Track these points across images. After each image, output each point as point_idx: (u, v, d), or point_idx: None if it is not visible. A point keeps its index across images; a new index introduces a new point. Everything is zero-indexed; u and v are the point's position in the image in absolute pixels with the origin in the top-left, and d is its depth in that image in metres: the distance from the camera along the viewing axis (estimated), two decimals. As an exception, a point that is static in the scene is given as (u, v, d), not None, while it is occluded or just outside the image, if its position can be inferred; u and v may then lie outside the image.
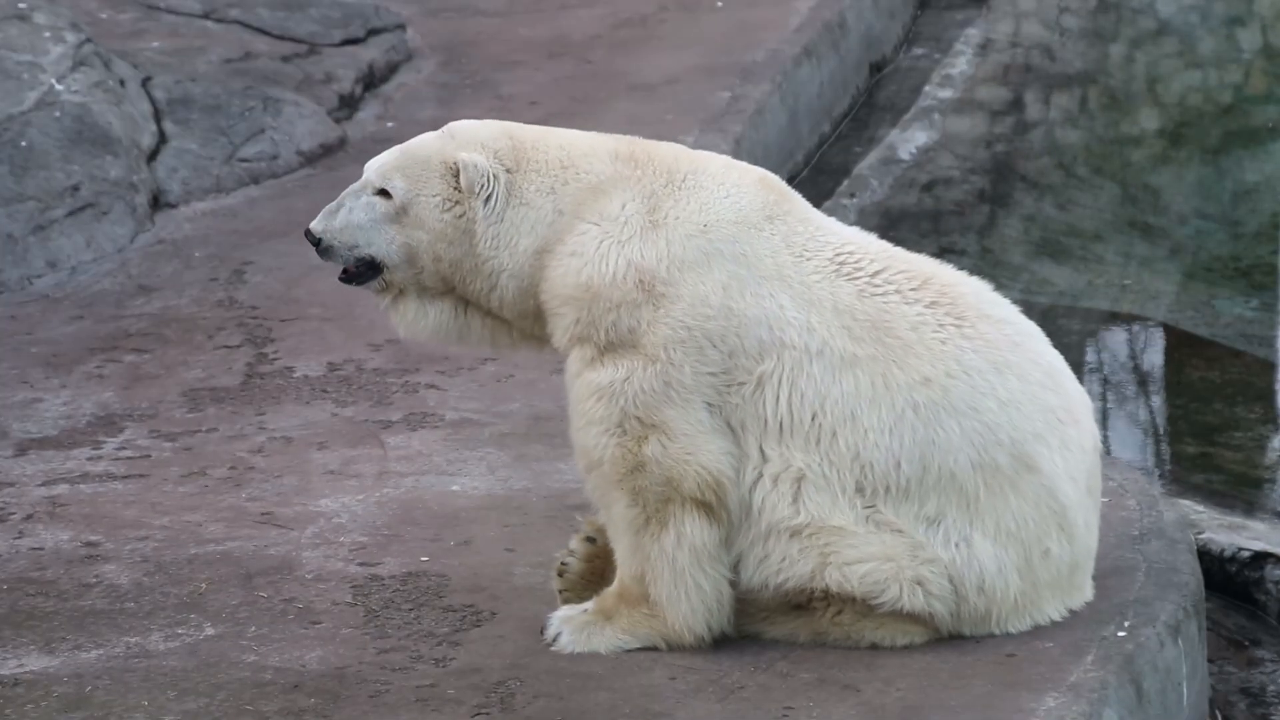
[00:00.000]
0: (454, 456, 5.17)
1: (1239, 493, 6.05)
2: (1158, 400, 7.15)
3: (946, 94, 9.37)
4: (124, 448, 5.27)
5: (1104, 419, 6.95)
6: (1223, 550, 4.58)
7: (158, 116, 7.23)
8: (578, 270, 3.28)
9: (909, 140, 8.57)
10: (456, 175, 3.34)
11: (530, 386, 5.84)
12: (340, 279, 3.52)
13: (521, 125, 3.54)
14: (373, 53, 8.06)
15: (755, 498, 3.18)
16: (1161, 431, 7.00)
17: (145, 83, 7.34)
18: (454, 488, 4.92)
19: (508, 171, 3.36)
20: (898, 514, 3.14)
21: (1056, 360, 3.42)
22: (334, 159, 7.46)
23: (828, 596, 3.19)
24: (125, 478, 4.99)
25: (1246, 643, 4.31)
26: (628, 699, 3.05)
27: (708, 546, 3.17)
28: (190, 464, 5.15)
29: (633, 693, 3.08)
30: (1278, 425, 7.05)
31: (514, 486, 4.89)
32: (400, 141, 3.68)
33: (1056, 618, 3.28)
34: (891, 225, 7.67)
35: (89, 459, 5.20)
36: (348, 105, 7.74)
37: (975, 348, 3.24)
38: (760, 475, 3.17)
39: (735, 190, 3.31)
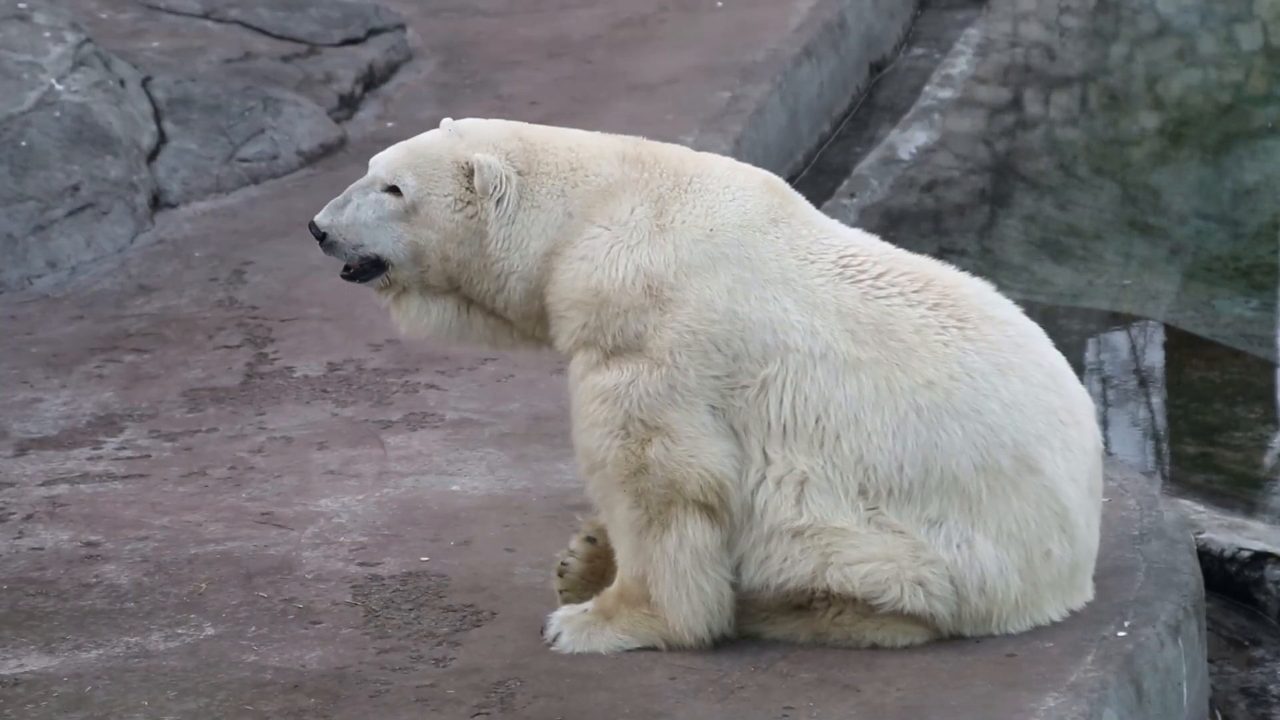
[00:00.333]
0: (454, 456, 5.17)
1: (1239, 493, 6.05)
2: (1158, 400, 7.14)
3: (946, 94, 9.37)
4: (124, 448, 5.26)
5: (1104, 419, 6.95)
6: (1223, 550, 4.58)
7: (158, 116, 7.23)
8: (587, 275, 3.28)
9: (909, 140, 8.56)
10: (470, 175, 3.33)
11: (530, 386, 5.84)
12: (343, 275, 3.51)
13: (529, 125, 3.53)
14: (373, 53, 8.06)
15: (758, 500, 3.17)
16: (1161, 431, 7.00)
17: (145, 83, 7.34)
18: (454, 488, 4.92)
19: (519, 174, 3.35)
20: (900, 516, 3.14)
21: (1059, 361, 3.42)
22: (334, 159, 7.46)
23: (829, 597, 3.19)
24: (125, 478, 4.99)
25: (1246, 643, 4.31)
26: (628, 699, 3.05)
27: (709, 548, 3.17)
28: (190, 464, 5.15)
29: (633, 693, 3.08)
30: (1278, 425, 7.05)
31: (514, 486, 4.89)
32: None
33: (1057, 618, 3.28)
34: (892, 225, 7.67)
35: (89, 459, 5.20)
36: (348, 105, 7.74)
37: (978, 350, 3.24)
38: (763, 478, 3.17)
39: (740, 193, 3.31)
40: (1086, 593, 3.38)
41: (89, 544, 4.33)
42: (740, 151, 6.69)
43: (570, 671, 3.21)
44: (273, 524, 4.51)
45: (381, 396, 5.82)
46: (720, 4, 8.87)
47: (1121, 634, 3.24)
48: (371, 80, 7.94)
